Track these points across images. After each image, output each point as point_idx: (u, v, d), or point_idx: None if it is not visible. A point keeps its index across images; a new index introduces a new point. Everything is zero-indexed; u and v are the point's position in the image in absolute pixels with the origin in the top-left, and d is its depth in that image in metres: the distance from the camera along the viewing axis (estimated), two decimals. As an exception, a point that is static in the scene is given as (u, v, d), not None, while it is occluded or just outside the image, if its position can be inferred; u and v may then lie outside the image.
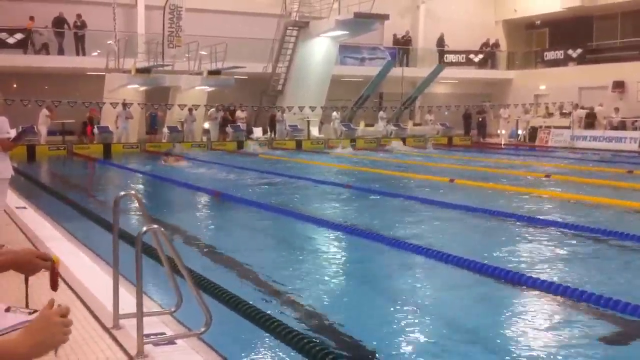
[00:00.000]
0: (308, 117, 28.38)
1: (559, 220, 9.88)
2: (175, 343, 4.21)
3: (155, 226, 4.12)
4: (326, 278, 7.11)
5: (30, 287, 2.08)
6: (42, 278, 2.23)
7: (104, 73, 26.28)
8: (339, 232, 9.29)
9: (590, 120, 28.59)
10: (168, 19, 26.99)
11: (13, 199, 10.26)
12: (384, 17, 27.18)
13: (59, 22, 27.38)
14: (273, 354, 4.75)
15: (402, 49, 33.92)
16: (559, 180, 15.19)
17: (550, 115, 31.44)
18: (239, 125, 27.67)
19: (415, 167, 18.87)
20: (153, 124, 26.80)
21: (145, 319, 4.04)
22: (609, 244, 8.36)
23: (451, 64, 34.12)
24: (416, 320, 5.70)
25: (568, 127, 27.98)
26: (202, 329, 4.12)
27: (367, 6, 26.29)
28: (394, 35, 33.75)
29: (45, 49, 27.17)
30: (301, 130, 28.28)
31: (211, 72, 26.41)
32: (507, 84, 35.65)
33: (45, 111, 24.28)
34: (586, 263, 7.56)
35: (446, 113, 31.79)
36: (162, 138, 26.37)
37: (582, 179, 15.20)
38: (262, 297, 6.11)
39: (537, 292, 6.19)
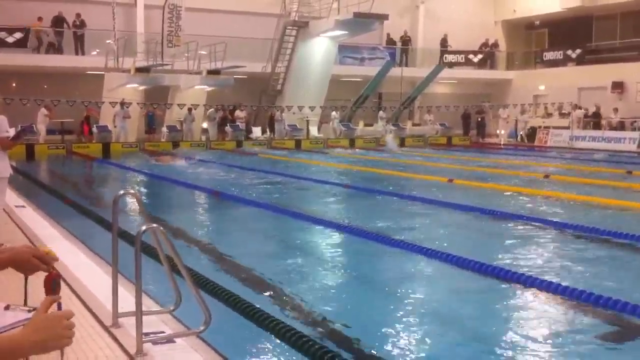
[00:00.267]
0: (307, 117, 28.40)
1: (558, 220, 9.88)
2: (174, 342, 4.21)
3: (155, 225, 4.13)
4: (325, 277, 7.11)
5: (29, 285, 2.08)
6: (42, 277, 2.22)
7: (103, 72, 26.25)
8: (338, 232, 9.30)
9: (597, 120, 28.48)
10: (167, 18, 26.99)
11: (12, 198, 10.25)
12: (383, 17, 27.17)
13: (58, 21, 27.38)
14: (272, 353, 4.75)
15: (402, 49, 33.92)
16: (558, 181, 15.20)
17: (549, 115, 31.46)
18: (238, 125, 27.69)
19: (415, 167, 18.88)
20: (151, 124, 26.80)
21: (144, 317, 4.04)
22: (608, 244, 8.37)
23: (450, 64, 34.13)
24: (415, 320, 5.70)
25: (567, 128, 28.00)
26: (201, 328, 4.12)
27: (366, 6, 26.28)
28: (387, 35, 33.65)
29: (53, 48, 27.22)
30: (300, 130, 28.31)
31: (210, 72, 26.41)
32: (507, 84, 35.65)
33: (43, 110, 24.28)
34: (585, 263, 7.55)
35: (445, 113, 31.79)
36: (161, 137, 26.37)
37: (581, 179, 15.21)
38: (261, 296, 6.11)
39: (536, 292, 6.19)
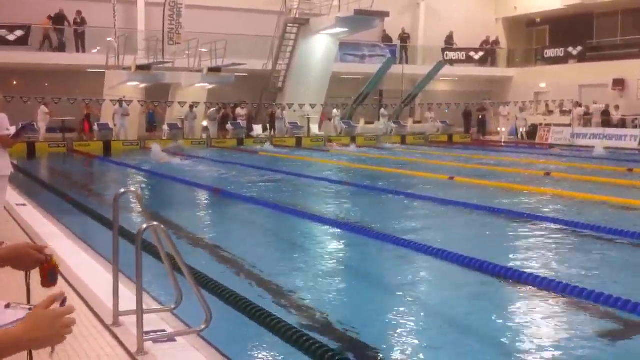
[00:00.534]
0: (308, 115, 28.38)
1: (559, 217, 9.88)
2: (175, 340, 4.21)
3: (155, 223, 4.12)
4: (326, 275, 7.11)
5: (31, 283, 2.07)
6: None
7: (104, 70, 26.23)
8: (338, 229, 9.30)
9: (606, 118, 28.21)
10: (168, 16, 26.96)
11: (13, 196, 10.25)
12: (384, 15, 27.14)
13: (59, 18, 27.35)
14: (273, 351, 4.75)
15: (401, 46, 33.86)
16: (559, 178, 15.19)
17: (550, 112, 31.42)
18: (239, 123, 27.68)
19: (415, 165, 18.87)
20: (152, 121, 26.80)
21: (145, 316, 4.04)
22: (609, 242, 8.36)
23: (451, 61, 34.09)
24: (416, 318, 5.71)
25: (568, 125, 27.96)
26: (202, 326, 4.12)
27: (367, 3, 26.26)
28: (384, 31, 33.53)
29: (51, 44, 27.19)
30: (301, 128, 28.29)
31: (211, 69, 26.39)
32: (508, 82, 35.62)
33: (43, 108, 24.27)
34: (586, 260, 7.55)
35: (446, 110, 31.75)
36: (163, 135, 26.37)
37: (582, 176, 15.20)
38: (262, 294, 6.11)
39: (536, 290, 6.19)
